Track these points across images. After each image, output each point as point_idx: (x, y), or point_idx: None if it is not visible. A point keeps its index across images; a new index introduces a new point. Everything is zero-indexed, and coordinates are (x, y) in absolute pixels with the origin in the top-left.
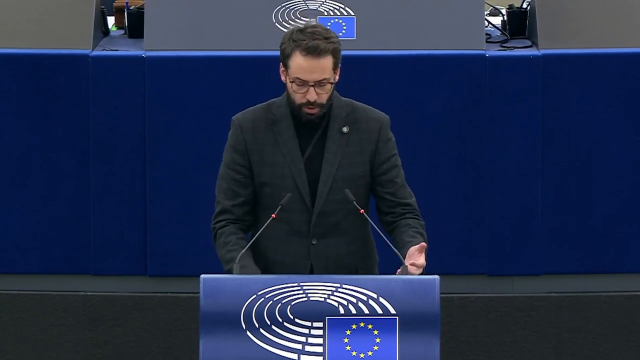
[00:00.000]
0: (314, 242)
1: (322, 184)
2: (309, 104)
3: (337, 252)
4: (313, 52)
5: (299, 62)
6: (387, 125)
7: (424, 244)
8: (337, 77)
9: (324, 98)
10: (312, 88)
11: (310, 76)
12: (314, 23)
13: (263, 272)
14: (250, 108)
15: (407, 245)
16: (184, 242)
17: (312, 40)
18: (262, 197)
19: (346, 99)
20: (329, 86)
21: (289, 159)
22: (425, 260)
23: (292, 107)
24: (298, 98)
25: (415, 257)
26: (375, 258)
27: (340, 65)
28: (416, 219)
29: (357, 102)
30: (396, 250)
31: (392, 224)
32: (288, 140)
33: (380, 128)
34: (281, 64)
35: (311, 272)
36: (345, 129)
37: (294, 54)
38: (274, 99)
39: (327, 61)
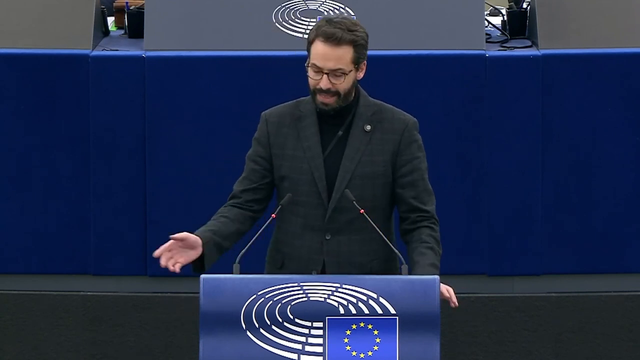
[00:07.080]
0: (327, 238)
1: (340, 180)
2: (322, 91)
3: (349, 250)
4: (330, 38)
5: (317, 49)
6: (413, 127)
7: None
8: (360, 74)
9: (339, 88)
10: (325, 76)
11: (325, 63)
12: (345, 15)
13: (280, 267)
14: (281, 104)
15: (416, 265)
16: None
17: (333, 29)
18: (281, 192)
19: (376, 100)
20: (344, 77)
21: (309, 154)
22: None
23: (312, 96)
24: (312, 84)
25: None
26: (397, 264)
27: (364, 61)
28: (430, 228)
29: (387, 104)
30: (396, 251)
31: (407, 234)
32: (310, 135)
33: (405, 129)
34: (307, 53)
35: (324, 268)
36: (368, 127)
37: (315, 40)
38: (303, 97)
39: (345, 51)
